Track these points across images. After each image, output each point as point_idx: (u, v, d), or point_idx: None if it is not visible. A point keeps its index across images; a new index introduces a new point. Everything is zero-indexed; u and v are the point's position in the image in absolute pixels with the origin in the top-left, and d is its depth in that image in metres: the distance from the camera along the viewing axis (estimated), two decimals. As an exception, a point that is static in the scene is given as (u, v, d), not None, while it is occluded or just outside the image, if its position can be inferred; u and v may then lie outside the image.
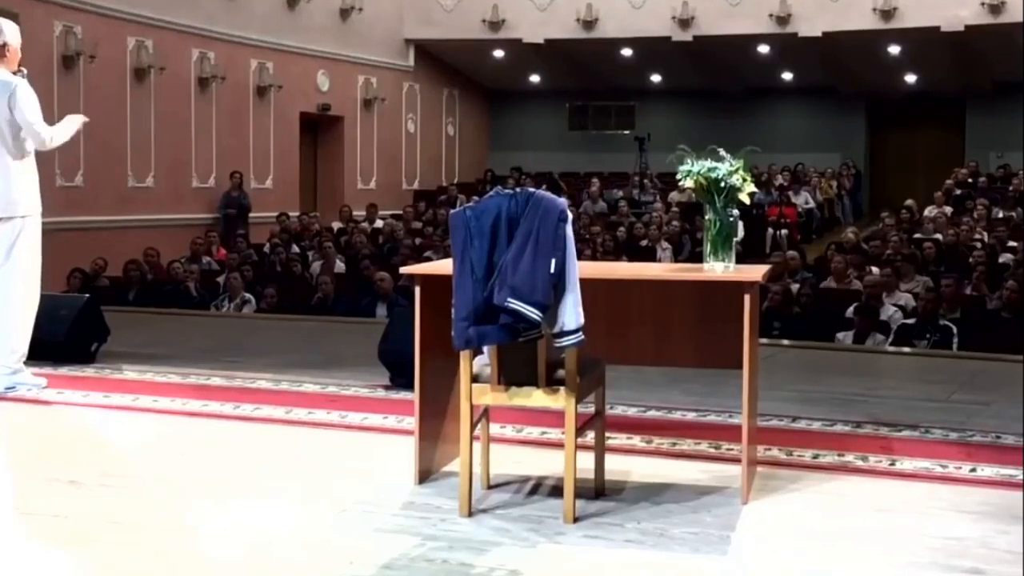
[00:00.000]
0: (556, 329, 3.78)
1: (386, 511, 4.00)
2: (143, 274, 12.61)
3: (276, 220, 16.25)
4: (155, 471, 4.67)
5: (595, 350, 4.15)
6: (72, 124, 6.19)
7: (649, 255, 14.02)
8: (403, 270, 4.79)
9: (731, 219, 4.30)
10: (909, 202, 17.12)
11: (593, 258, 12.50)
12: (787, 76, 22.00)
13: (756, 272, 4.27)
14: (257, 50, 17.63)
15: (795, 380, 6.64)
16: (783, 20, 19.11)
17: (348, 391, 6.14)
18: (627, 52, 21.05)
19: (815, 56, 20.16)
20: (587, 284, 3.90)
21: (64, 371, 6.67)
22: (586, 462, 4.11)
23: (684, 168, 4.26)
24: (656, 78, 22.57)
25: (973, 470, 4.58)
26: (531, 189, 3.89)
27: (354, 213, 17.61)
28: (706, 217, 4.31)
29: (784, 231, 16.58)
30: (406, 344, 4.48)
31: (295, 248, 14.82)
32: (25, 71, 6.25)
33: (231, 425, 5.44)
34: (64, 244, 13.06)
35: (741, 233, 4.40)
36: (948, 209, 16.59)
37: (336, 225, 17.05)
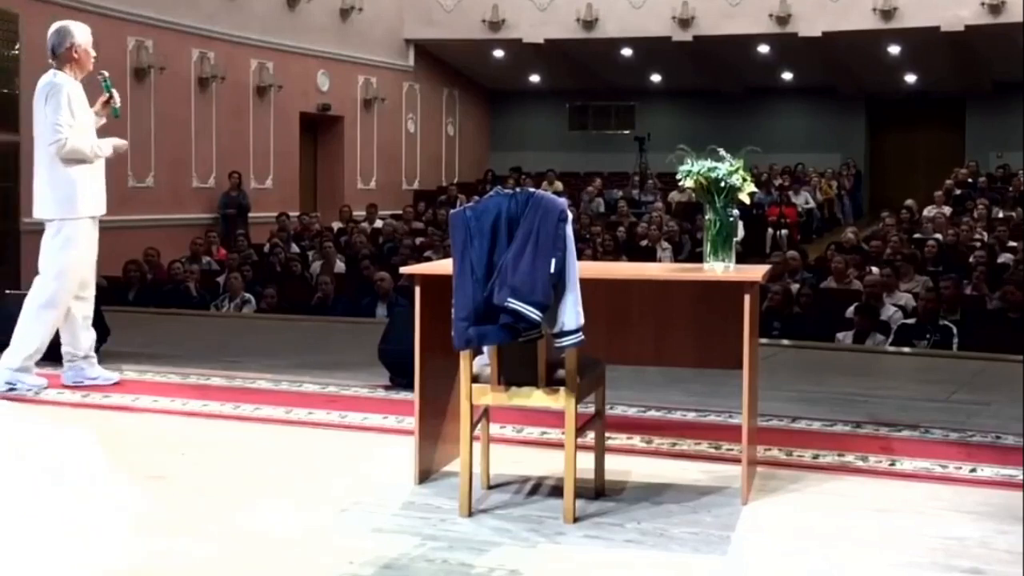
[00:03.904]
0: (556, 329, 3.78)
1: (386, 511, 4.00)
2: (143, 274, 12.60)
3: (276, 220, 16.26)
4: (154, 471, 4.67)
5: (595, 350, 4.15)
6: (107, 144, 6.12)
7: (649, 255, 14.01)
8: (403, 270, 4.78)
9: (731, 219, 4.30)
10: (909, 202, 17.13)
11: (593, 258, 12.49)
12: (787, 76, 22.01)
13: (756, 272, 4.27)
14: (257, 50, 17.63)
15: (795, 380, 6.64)
16: (783, 20, 19.11)
17: (348, 391, 6.14)
18: (627, 52, 21.06)
19: (815, 56, 20.16)
20: (587, 284, 3.90)
21: (64, 371, 6.68)
22: (586, 462, 4.10)
23: (684, 168, 4.26)
24: (656, 78, 22.58)
25: (973, 470, 4.58)
26: (531, 189, 3.89)
27: (354, 213, 17.61)
28: (706, 217, 4.31)
29: (784, 231, 16.59)
30: (406, 344, 4.48)
31: (295, 248, 14.82)
32: (106, 73, 6.22)
33: (231, 425, 5.44)
34: (64, 244, 13.06)
35: (741, 233, 4.41)
36: (948, 209, 16.59)
37: (336, 225, 17.06)
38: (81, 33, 6.09)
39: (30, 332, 6.06)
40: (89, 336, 6.23)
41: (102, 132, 6.27)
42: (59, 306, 6.07)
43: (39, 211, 6.10)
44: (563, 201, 3.81)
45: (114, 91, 6.24)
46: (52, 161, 5.96)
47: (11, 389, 5.99)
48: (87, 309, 6.23)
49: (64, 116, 5.92)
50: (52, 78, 6.00)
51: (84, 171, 6.03)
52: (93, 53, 6.15)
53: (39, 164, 6.07)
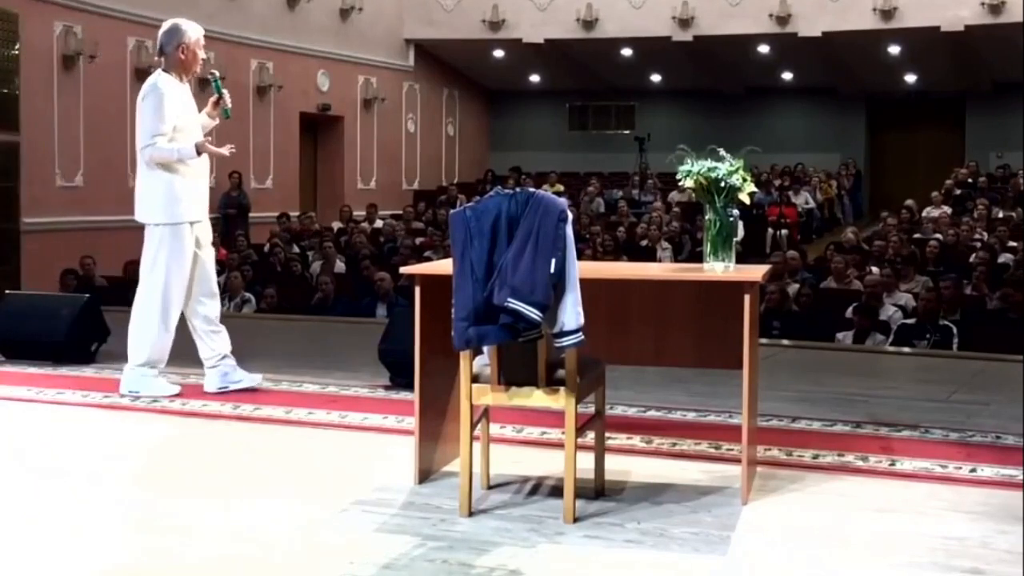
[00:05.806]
0: (556, 329, 3.78)
1: (386, 511, 4.00)
2: (144, 274, 12.58)
3: (276, 220, 16.25)
4: (155, 471, 4.67)
5: (595, 350, 4.15)
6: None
7: (649, 255, 14.01)
8: (403, 270, 4.78)
9: (731, 219, 4.30)
10: (909, 202, 17.14)
11: (593, 258, 12.49)
12: (787, 76, 22.02)
13: (756, 272, 4.27)
14: (257, 50, 17.64)
15: (795, 380, 6.64)
16: (783, 20, 19.12)
17: (348, 391, 6.14)
18: (627, 52, 21.06)
19: (815, 56, 20.16)
20: (587, 284, 3.89)
21: (64, 371, 6.68)
22: (586, 462, 4.10)
23: (684, 168, 4.26)
24: (656, 78, 22.58)
25: (973, 470, 4.58)
26: (531, 189, 3.89)
27: (354, 213, 17.61)
28: (706, 217, 4.31)
29: (784, 231, 16.59)
30: (406, 344, 4.48)
31: (295, 248, 14.83)
32: (217, 73, 6.08)
33: (231, 425, 5.44)
34: (64, 244, 13.09)
35: (741, 233, 4.41)
36: (948, 209, 16.60)
37: (336, 225, 17.06)
38: (193, 32, 5.92)
39: (140, 340, 6.00)
40: (222, 339, 6.10)
41: (213, 133, 6.18)
42: (167, 314, 5.99)
43: (140, 215, 6.00)
44: (563, 201, 3.81)
45: (225, 91, 6.06)
46: (149, 165, 5.88)
47: (135, 397, 5.94)
48: (212, 311, 6.11)
49: (157, 123, 5.79)
50: (155, 80, 5.87)
51: (184, 175, 5.89)
52: (203, 55, 6.00)
53: (138, 168, 5.98)
